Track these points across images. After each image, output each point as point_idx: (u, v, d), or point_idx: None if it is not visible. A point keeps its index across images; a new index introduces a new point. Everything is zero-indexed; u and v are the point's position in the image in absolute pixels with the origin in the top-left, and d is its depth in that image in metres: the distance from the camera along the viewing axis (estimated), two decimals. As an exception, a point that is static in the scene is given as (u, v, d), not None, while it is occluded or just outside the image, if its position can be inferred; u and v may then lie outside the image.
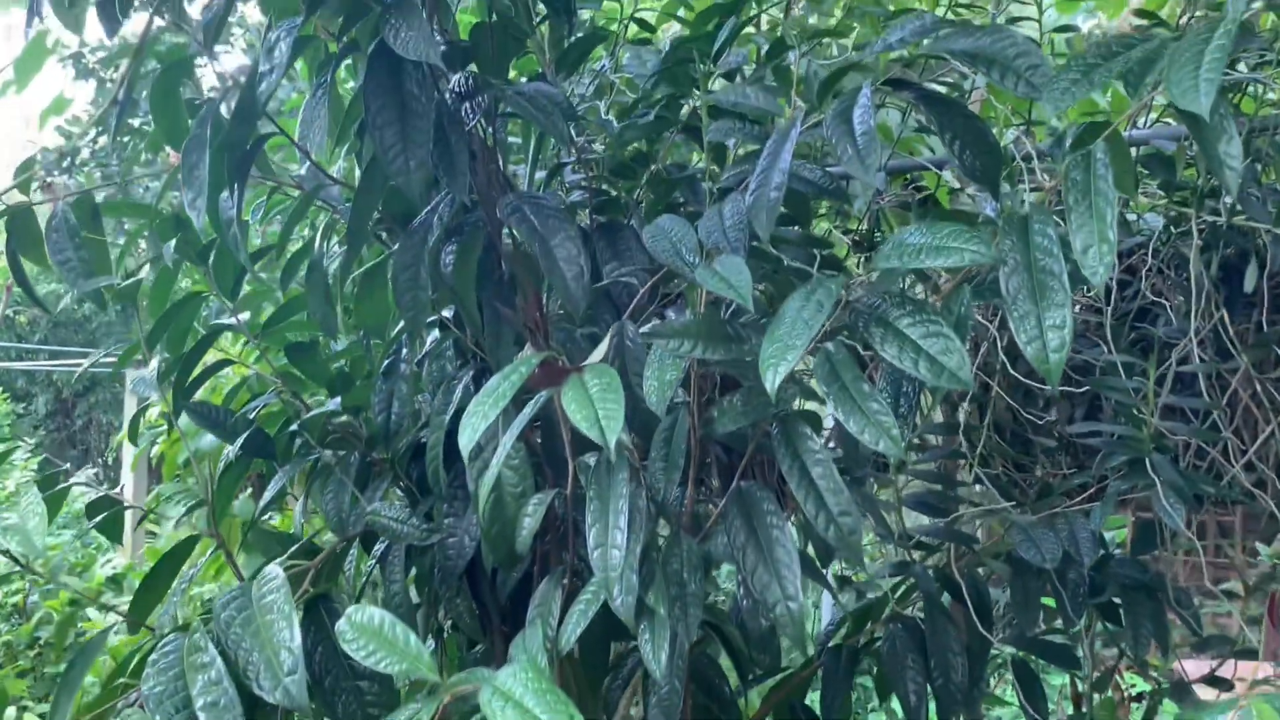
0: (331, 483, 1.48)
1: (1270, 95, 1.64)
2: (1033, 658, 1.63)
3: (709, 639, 1.44)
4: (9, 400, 8.18)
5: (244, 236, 1.29)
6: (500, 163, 1.42)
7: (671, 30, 2.12)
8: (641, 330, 1.21)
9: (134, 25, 1.47)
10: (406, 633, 0.99)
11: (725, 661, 1.48)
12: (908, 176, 1.90)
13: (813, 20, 2.02)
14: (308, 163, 1.44)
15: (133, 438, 2.06)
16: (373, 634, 0.98)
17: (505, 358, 1.36)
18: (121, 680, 1.24)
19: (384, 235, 1.51)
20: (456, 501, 1.41)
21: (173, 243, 1.45)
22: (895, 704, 1.58)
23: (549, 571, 1.29)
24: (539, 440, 1.38)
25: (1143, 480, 1.40)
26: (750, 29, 1.73)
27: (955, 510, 1.59)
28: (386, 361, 1.51)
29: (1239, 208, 1.47)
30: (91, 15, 1.42)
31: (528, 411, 1.09)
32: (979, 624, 1.46)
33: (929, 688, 1.46)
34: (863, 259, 1.90)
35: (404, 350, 1.50)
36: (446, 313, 1.49)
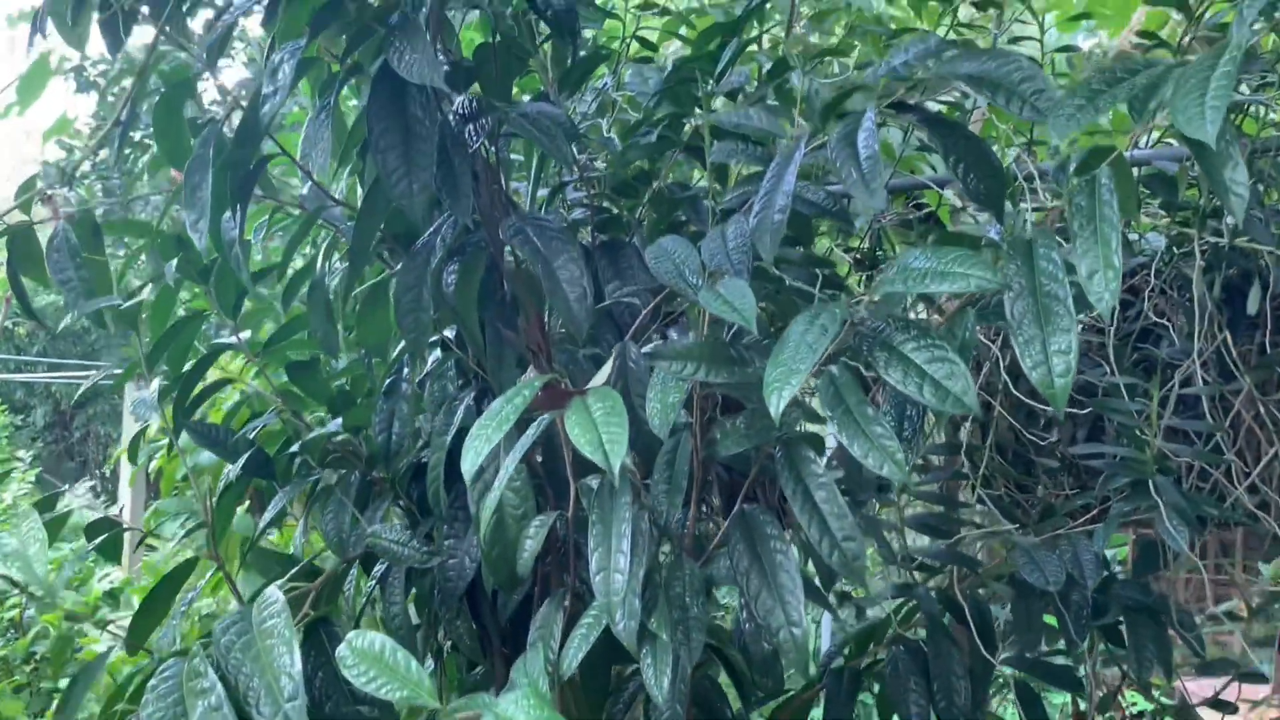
0: (331, 503, 1.48)
1: (1273, 116, 1.64)
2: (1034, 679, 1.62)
3: (710, 661, 1.44)
4: (7, 412, 8.17)
5: (246, 257, 1.29)
6: (503, 182, 1.42)
7: (673, 48, 2.12)
8: (644, 351, 1.21)
9: (136, 39, 1.47)
10: (408, 658, 0.98)
11: (724, 676, 1.48)
12: (909, 194, 1.91)
13: (814, 39, 2.02)
14: (310, 182, 1.44)
15: (133, 458, 2.06)
16: (373, 659, 0.98)
17: (507, 378, 1.35)
18: (120, 706, 1.23)
19: (385, 254, 1.51)
20: (457, 522, 1.41)
21: (174, 262, 1.45)
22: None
23: (550, 593, 1.28)
24: (540, 460, 1.37)
25: (1146, 502, 1.39)
26: (752, 46, 1.73)
27: (957, 531, 1.58)
28: (388, 381, 1.51)
29: (1241, 229, 1.47)
30: (93, 28, 1.42)
31: (531, 434, 1.09)
32: (982, 647, 1.46)
33: (932, 711, 1.45)
34: (864, 277, 1.90)
35: (405, 370, 1.50)
36: (448, 332, 1.49)
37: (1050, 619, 1.50)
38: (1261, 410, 1.49)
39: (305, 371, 1.59)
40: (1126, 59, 1.06)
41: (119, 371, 1.58)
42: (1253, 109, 1.56)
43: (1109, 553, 1.70)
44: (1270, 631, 1.71)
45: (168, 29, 1.31)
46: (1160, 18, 1.91)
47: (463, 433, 1.28)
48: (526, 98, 1.59)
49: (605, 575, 1.06)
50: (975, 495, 1.64)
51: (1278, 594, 1.82)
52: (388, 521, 1.47)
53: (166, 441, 2.34)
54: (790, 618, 1.08)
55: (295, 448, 1.51)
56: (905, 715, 1.45)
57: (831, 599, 1.65)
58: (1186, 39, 1.65)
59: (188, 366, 1.52)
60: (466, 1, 1.31)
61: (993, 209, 1.18)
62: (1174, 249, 1.58)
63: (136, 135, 4.04)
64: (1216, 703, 1.62)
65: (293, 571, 1.40)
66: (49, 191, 1.48)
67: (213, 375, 1.57)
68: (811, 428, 1.33)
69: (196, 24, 1.46)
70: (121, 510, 4.62)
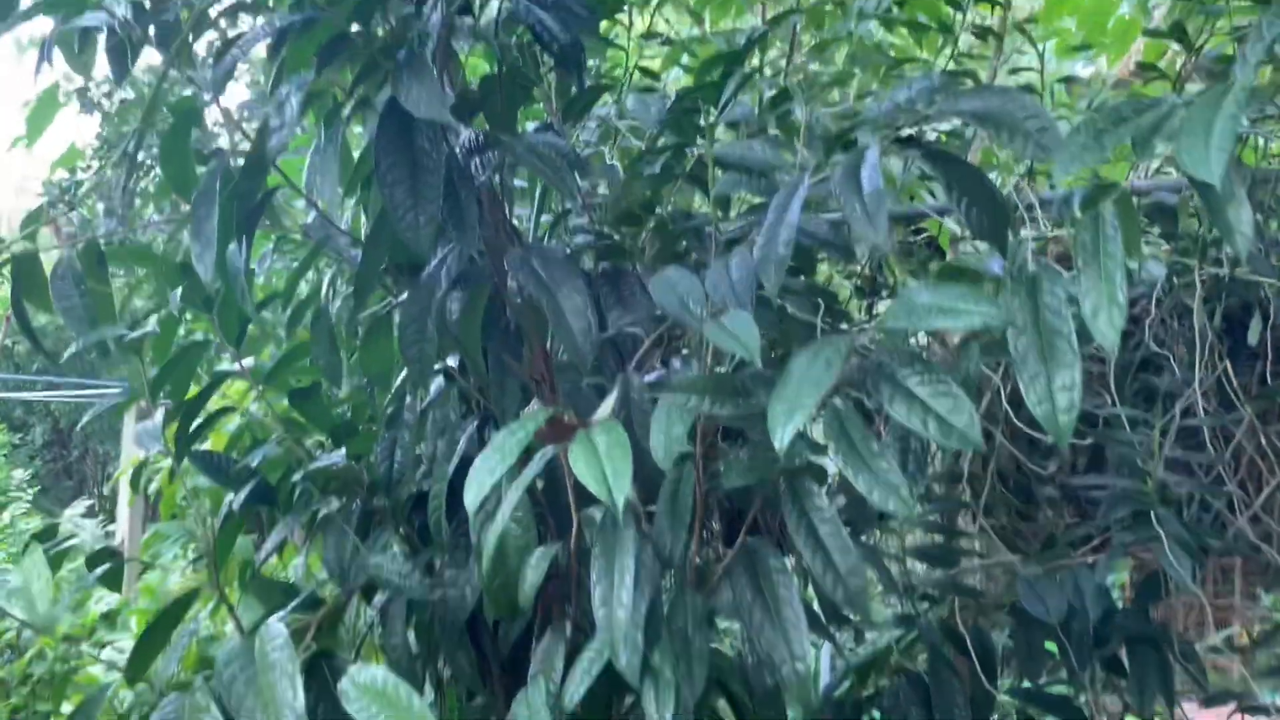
0: (332, 531, 1.48)
1: (1272, 147, 1.65)
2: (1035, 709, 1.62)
3: (711, 691, 1.43)
4: (6, 430, 8.15)
5: (251, 288, 1.29)
6: (506, 211, 1.43)
7: (674, 74, 2.13)
8: (649, 383, 1.21)
9: (141, 61, 1.47)
10: (410, 693, 0.98)
11: (724, 703, 1.47)
12: (910, 220, 1.91)
13: (815, 67, 2.03)
14: (314, 211, 1.44)
15: (135, 486, 2.05)
16: (375, 694, 0.98)
17: (510, 408, 1.35)
18: (122, 737, 1.23)
19: (389, 282, 1.51)
20: (458, 551, 1.40)
21: (179, 291, 1.45)
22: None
23: (551, 623, 1.28)
24: (541, 489, 1.37)
25: (1148, 533, 1.39)
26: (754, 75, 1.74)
27: (959, 561, 1.58)
28: (390, 410, 1.51)
29: (1242, 261, 1.47)
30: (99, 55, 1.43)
31: (534, 467, 1.09)
32: (984, 678, 1.45)
33: (933, 742, 1.45)
34: (865, 305, 1.90)
35: (408, 398, 1.50)
36: (451, 361, 1.49)
37: (1051, 646, 1.50)
38: (1263, 441, 1.49)
39: (307, 398, 1.58)
40: (1130, 97, 1.07)
41: (122, 398, 1.58)
42: (1253, 139, 1.57)
43: (1108, 579, 1.70)
44: (1274, 663, 1.70)
45: (175, 61, 1.32)
46: (1159, 48, 1.92)
47: (465, 462, 1.29)
48: (531, 125, 1.60)
49: (608, 611, 1.06)
50: (977, 524, 1.64)
51: (1280, 626, 1.82)
52: (389, 550, 1.47)
53: (167, 465, 2.34)
54: (794, 652, 1.08)
55: (297, 476, 1.51)
56: (907, 746, 1.45)
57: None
58: (1186, 69, 1.67)
59: (191, 394, 1.52)
60: (473, 34, 1.31)
61: (995, 241, 1.18)
62: (1174, 279, 1.58)
63: (140, 155, 4.04)
64: (1219, 733, 1.61)
65: (294, 604, 1.39)
66: (52, 214, 1.48)
67: (214, 401, 1.56)
68: (812, 457, 1.34)
69: (200, 46, 1.47)
70: (119, 531, 4.61)
